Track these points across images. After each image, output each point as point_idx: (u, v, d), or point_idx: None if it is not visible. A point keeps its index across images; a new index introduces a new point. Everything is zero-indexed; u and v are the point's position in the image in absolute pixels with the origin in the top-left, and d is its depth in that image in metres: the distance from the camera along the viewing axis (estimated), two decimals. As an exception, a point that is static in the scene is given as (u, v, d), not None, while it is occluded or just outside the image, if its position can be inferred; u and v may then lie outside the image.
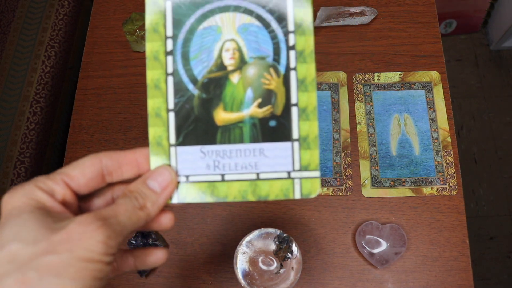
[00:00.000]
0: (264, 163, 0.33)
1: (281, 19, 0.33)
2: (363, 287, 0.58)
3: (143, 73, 0.71)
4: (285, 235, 0.54)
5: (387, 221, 0.61)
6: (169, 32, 0.33)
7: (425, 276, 0.58)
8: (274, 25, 0.33)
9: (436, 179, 0.62)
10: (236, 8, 0.33)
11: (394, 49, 0.71)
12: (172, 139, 0.33)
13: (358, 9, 0.71)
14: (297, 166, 0.33)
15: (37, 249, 0.25)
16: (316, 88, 0.33)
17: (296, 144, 0.33)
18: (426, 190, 0.62)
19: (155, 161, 0.33)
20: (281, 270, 0.53)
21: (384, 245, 0.58)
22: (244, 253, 0.54)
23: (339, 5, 0.72)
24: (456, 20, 1.38)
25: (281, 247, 0.54)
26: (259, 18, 0.33)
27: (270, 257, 0.54)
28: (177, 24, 0.33)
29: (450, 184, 0.62)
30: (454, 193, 0.62)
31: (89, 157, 0.31)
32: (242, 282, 0.52)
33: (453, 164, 0.63)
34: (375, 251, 0.58)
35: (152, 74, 0.34)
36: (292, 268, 0.53)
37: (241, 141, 0.33)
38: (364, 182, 0.63)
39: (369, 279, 0.58)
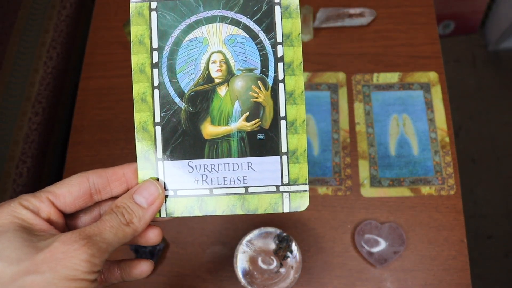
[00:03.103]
0: (253, 177, 0.33)
1: (269, 30, 0.32)
2: (362, 286, 0.59)
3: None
4: (284, 234, 0.54)
5: (386, 220, 0.61)
6: (155, 44, 0.33)
7: (424, 275, 0.59)
8: (262, 36, 0.32)
9: (435, 178, 0.63)
10: (223, 19, 0.33)
11: (393, 50, 0.71)
12: (160, 153, 0.33)
13: (357, 10, 0.72)
14: (285, 180, 0.33)
15: (20, 268, 0.25)
16: (304, 101, 0.32)
17: (284, 158, 0.33)
18: (425, 190, 0.63)
19: (143, 175, 0.32)
20: (281, 269, 0.54)
21: (383, 244, 0.59)
22: (244, 252, 0.54)
23: (339, 6, 0.73)
24: (454, 21, 1.38)
25: (281, 246, 0.54)
26: (246, 29, 0.33)
27: (270, 256, 0.54)
28: (163, 35, 0.33)
29: (448, 184, 0.63)
30: (452, 192, 0.62)
31: (77, 176, 0.31)
32: (242, 281, 0.53)
33: (451, 164, 0.64)
34: (374, 250, 0.59)
35: (138, 87, 0.33)
36: (292, 267, 0.54)
37: (229, 155, 0.33)
38: (363, 182, 0.63)
39: (368, 278, 0.59)
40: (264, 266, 0.54)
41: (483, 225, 1.23)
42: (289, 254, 0.54)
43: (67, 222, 0.31)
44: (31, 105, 0.67)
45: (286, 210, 0.33)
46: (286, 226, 0.62)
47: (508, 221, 1.24)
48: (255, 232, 0.55)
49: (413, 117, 0.67)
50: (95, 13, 0.77)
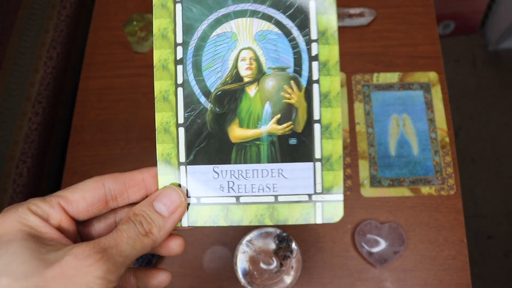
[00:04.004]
0: (283, 184, 0.30)
1: (303, 26, 0.30)
2: (362, 286, 0.59)
3: (144, 73, 0.72)
4: (284, 234, 0.54)
5: (386, 220, 0.61)
6: (179, 39, 0.30)
7: (424, 275, 0.59)
8: (295, 32, 0.30)
9: (435, 178, 0.63)
10: (254, 13, 0.30)
11: (393, 50, 0.71)
12: (182, 157, 0.30)
13: (357, 10, 0.72)
14: (319, 189, 0.30)
15: (28, 285, 0.23)
16: (340, 103, 0.30)
17: (318, 164, 0.30)
18: (425, 190, 0.63)
19: (164, 181, 0.30)
20: (281, 269, 0.54)
21: (383, 244, 0.59)
22: (244, 252, 0.54)
23: (338, 6, 0.73)
24: (454, 21, 1.38)
25: (281, 246, 0.54)
26: (278, 24, 0.30)
27: (270, 256, 0.54)
28: (188, 29, 0.30)
29: (448, 184, 0.63)
30: (452, 192, 0.62)
31: (92, 180, 0.28)
32: (242, 281, 0.53)
33: (451, 164, 0.64)
34: (374, 250, 0.59)
35: (160, 85, 0.30)
36: (292, 267, 0.54)
37: (258, 160, 0.30)
38: (363, 182, 0.63)
39: (368, 278, 0.59)
40: (264, 266, 0.54)
41: (483, 225, 1.23)
42: (289, 254, 0.54)
43: (79, 229, 0.29)
44: (31, 105, 0.67)
45: (319, 221, 0.30)
46: (286, 226, 0.62)
47: (508, 221, 1.24)
48: (255, 232, 0.55)
49: (413, 117, 0.67)
50: (95, 13, 0.77)
